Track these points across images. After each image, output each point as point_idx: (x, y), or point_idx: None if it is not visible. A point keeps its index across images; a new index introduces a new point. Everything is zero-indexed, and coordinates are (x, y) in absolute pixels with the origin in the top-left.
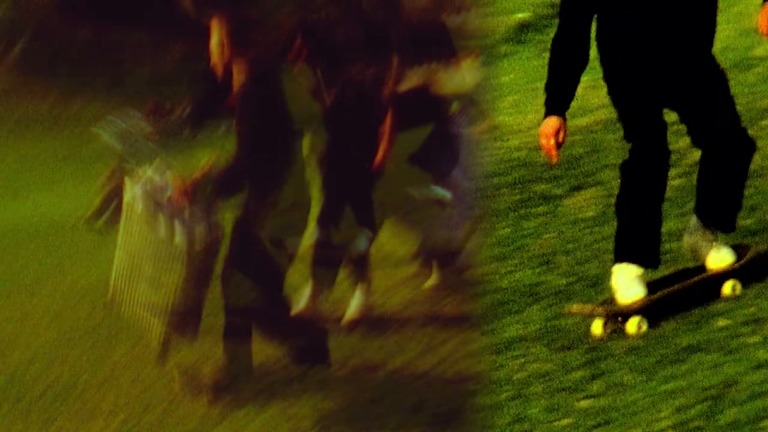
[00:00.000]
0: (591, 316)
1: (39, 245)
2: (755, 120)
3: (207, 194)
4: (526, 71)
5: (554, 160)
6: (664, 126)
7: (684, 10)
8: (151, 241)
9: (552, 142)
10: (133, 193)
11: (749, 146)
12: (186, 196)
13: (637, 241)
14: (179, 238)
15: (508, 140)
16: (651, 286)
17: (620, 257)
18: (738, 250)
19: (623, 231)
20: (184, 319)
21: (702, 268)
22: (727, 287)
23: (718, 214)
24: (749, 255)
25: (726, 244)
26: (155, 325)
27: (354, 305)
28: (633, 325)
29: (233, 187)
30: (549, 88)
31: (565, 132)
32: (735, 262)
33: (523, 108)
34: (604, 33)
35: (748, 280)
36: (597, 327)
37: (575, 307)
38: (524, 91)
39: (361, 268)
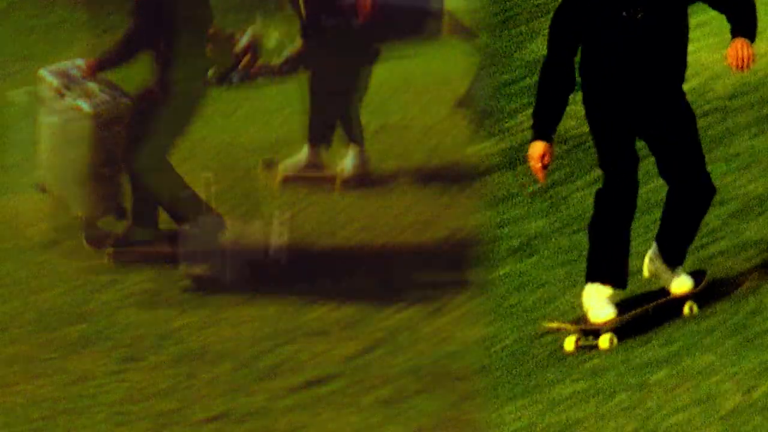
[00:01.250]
0: (566, 333)
1: None
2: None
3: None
4: None
5: (542, 180)
6: (635, 157)
7: (656, 48)
8: (61, 121)
9: (539, 165)
10: (46, 79)
11: (708, 190)
12: (90, 69)
13: (608, 264)
14: (86, 107)
15: None
16: (619, 306)
17: (592, 278)
18: (695, 276)
19: (595, 253)
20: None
21: (664, 290)
22: (686, 308)
23: (672, 249)
24: (704, 281)
25: (684, 270)
26: (76, 200)
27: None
28: (605, 341)
29: (126, 54)
30: (536, 114)
31: (551, 155)
32: (693, 287)
33: None
34: (585, 64)
35: (703, 303)
36: (569, 343)
37: (550, 324)
38: None
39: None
